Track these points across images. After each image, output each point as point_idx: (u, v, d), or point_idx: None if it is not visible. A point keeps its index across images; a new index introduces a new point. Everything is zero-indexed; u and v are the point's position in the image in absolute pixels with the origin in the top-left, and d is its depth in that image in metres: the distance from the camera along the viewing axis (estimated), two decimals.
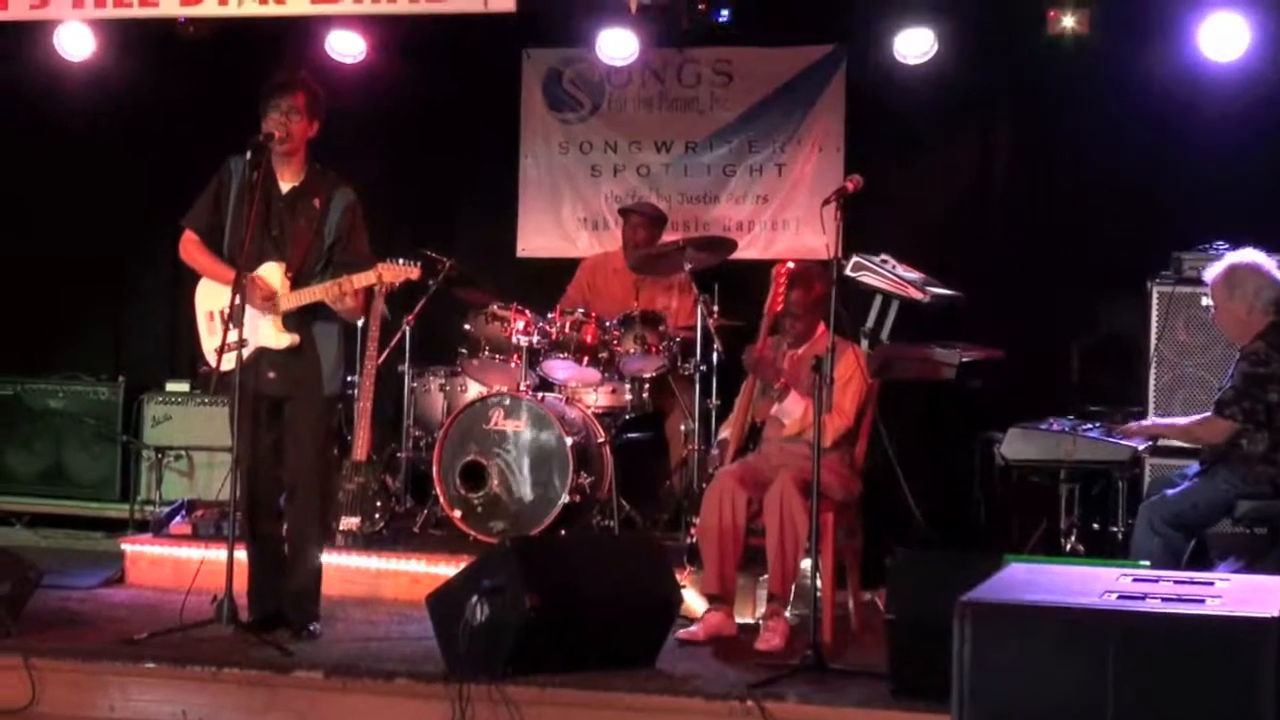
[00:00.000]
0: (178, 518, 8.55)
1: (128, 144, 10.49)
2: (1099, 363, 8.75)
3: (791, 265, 7.44)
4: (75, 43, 9.36)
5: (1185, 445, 7.36)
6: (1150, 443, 7.44)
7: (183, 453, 9.79)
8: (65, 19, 8.86)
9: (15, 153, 10.15)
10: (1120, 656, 3.77)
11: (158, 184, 10.12)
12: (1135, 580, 4.31)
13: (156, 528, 8.59)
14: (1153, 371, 7.83)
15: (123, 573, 8.20)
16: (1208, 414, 6.92)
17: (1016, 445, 7.53)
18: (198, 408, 9.81)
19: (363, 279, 6.67)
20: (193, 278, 6.96)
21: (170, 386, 10.00)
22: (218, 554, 6.69)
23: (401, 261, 6.76)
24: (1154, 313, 7.87)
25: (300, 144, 6.77)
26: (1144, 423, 7.37)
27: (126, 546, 8.33)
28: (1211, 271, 7.06)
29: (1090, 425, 7.60)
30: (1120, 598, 4.02)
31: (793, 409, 7.10)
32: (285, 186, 6.80)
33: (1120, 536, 7.62)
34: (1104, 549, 7.71)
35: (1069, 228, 9.25)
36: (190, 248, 6.87)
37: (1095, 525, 7.93)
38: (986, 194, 9.54)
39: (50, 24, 9.07)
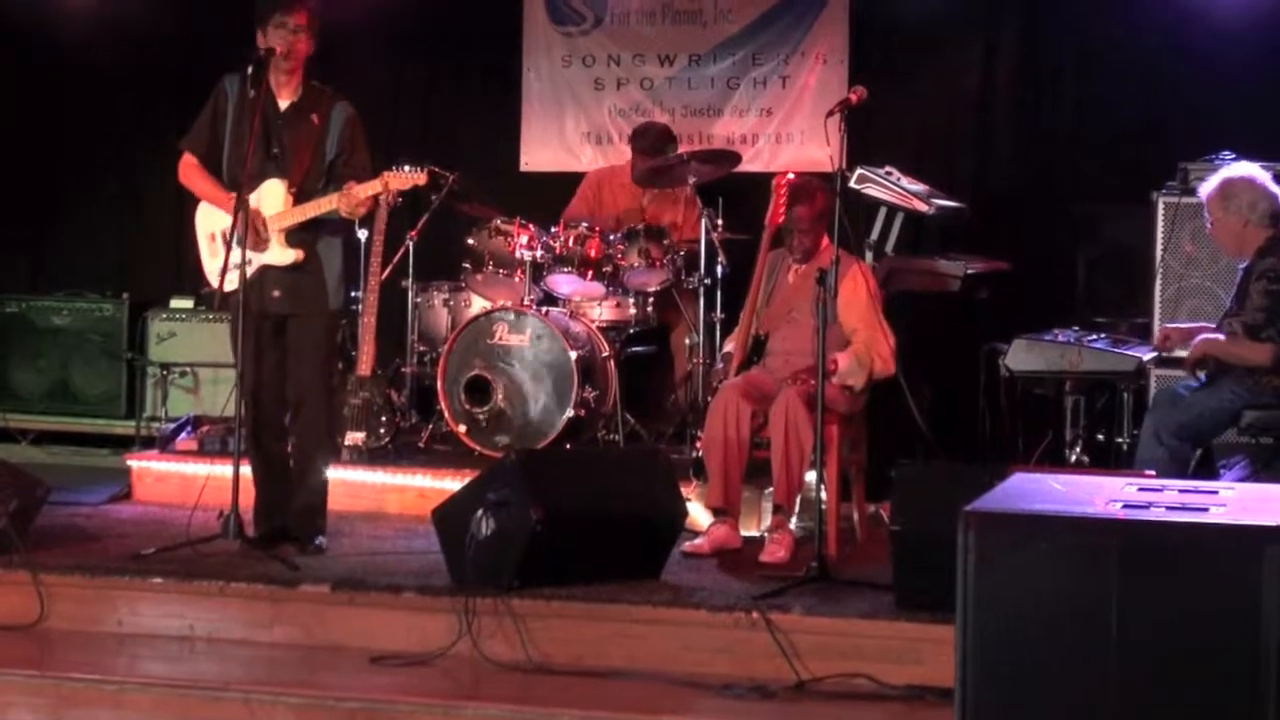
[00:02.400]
0: (183, 434, 8.58)
1: (130, 64, 10.47)
2: (1105, 274, 8.71)
3: (791, 177, 7.40)
4: None
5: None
6: (1156, 353, 7.41)
7: (188, 369, 9.81)
8: None
9: (19, 75, 10.09)
10: (1125, 565, 3.77)
11: (160, 100, 10.12)
12: (1140, 489, 4.31)
13: (162, 444, 8.61)
14: (1158, 283, 7.80)
15: (129, 489, 8.24)
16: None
17: (1021, 356, 7.52)
18: (202, 324, 9.82)
19: (369, 187, 6.64)
20: (195, 196, 6.93)
21: (174, 303, 10.02)
22: (223, 470, 6.72)
23: (408, 168, 6.73)
24: (1159, 224, 7.83)
25: (301, 61, 6.72)
26: (1196, 345, 7.15)
27: (133, 463, 8.36)
28: (1206, 187, 7.02)
29: (1096, 336, 7.58)
30: (1125, 507, 4.02)
31: (850, 371, 7.02)
32: (283, 104, 6.75)
33: (1125, 448, 7.61)
34: (1109, 460, 7.71)
35: (1074, 139, 9.22)
36: (190, 171, 6.83)
37: (1100, 437, 7.93)
38: (991, 105, 9.49)
39: None
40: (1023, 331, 7.61)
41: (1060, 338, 7.54)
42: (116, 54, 10.46)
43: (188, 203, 7.14)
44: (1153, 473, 6.27)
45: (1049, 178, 9.22)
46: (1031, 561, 3.87)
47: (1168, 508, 4.01)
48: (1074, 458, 7.69)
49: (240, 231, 6.50)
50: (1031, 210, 9.16)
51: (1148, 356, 7.42)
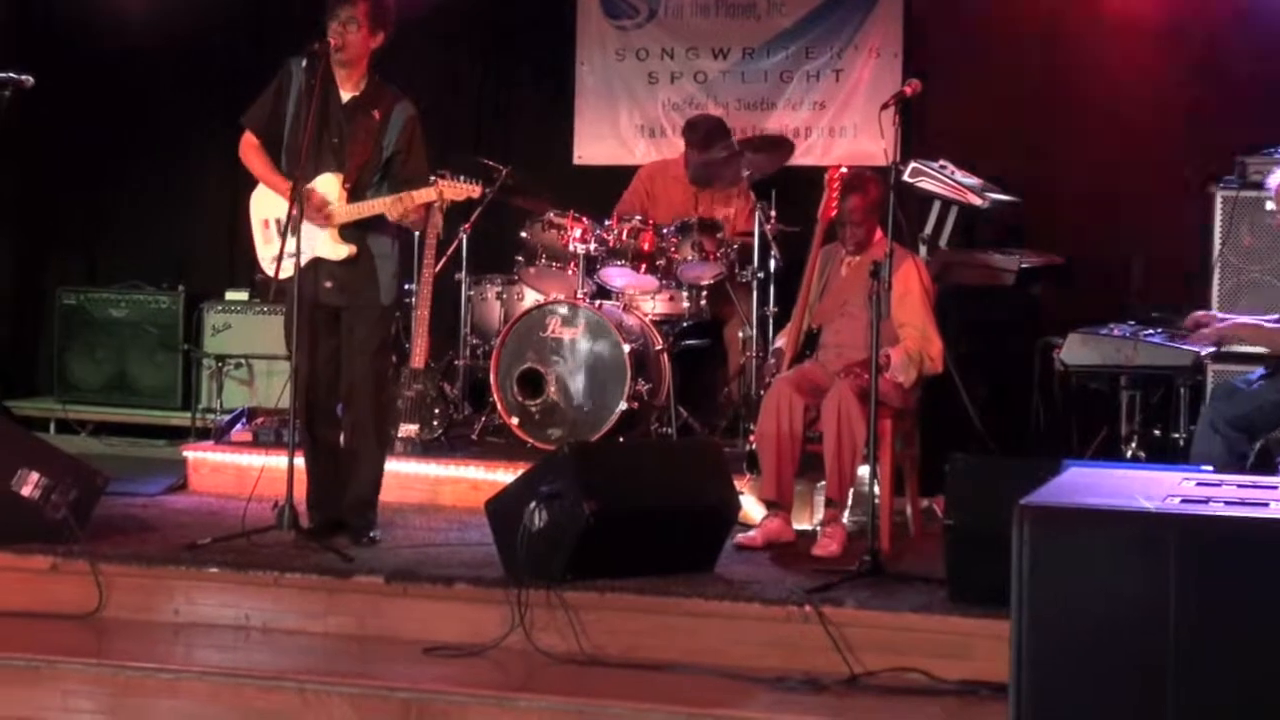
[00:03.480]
0: (238, 425, 8.62)
1: (186, 57, 10.51)
2: (1161, 268, 8.67)
3: (845, 170, 7.39)
4: None
5: (1249, 351, 7.28)
6: (1215, 348, 7.36)
7: (242, 361, 9.86)
8: None
9: (76, 66, 10.15)
10: (1182, 560, 3.75)
11: (215, 92, 10.16)
12: (1198, 484, 4.28)
13: (218, 435, 8.66)
14: (1216, 277, 7.74)
15: (185, 480, 8.27)
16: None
17: (1076, 351, 7.47)
18: (257, 316, 9.87)
19: (424, 195, 6.67)
20: (250, 185, 6.97)
21: (230, 295, 10.08)
22: (278, 461, 6.74)
23: (463, 179, 6.76)
24: (1218, 217, 7.77)
25: (360, 55, 6.73)
26: (1221, 325, 7.15)
27: (189, 454, 8.40)
28: (1274, 178, 6.96)
29: (1152, 331, 7.53)
30: (1183, 501, 4.00)
31: (900, 363, 7.00)
32: (346, 96, 6.78)
33: (1182, 443, 7.55)
34: (1166, 456, 7.65)
35: (1131, 132, 9.15)
36: (249, 151, 6.87)
37: (1156, 431, 7.87)
38: (1047, 99, 9.43)
39: None
40: (1077, 326, 7.57)
41: (1116, 332, 7.49)
42: (172, 46, 10.50)
43: (242, 196, 7.18)
44: (1210, 467, 6.23)
45: (1104, 171, 9.17)
46: (1087, 556, 3.85)
47: (1226, 502, 3.99)
48: (1130, 453, 7.64)
49: (295, 221, 6.53)
50: (1087, 204, 9.11)
51: (1205, 351, 7.35)
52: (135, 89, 10.60)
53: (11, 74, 7.70)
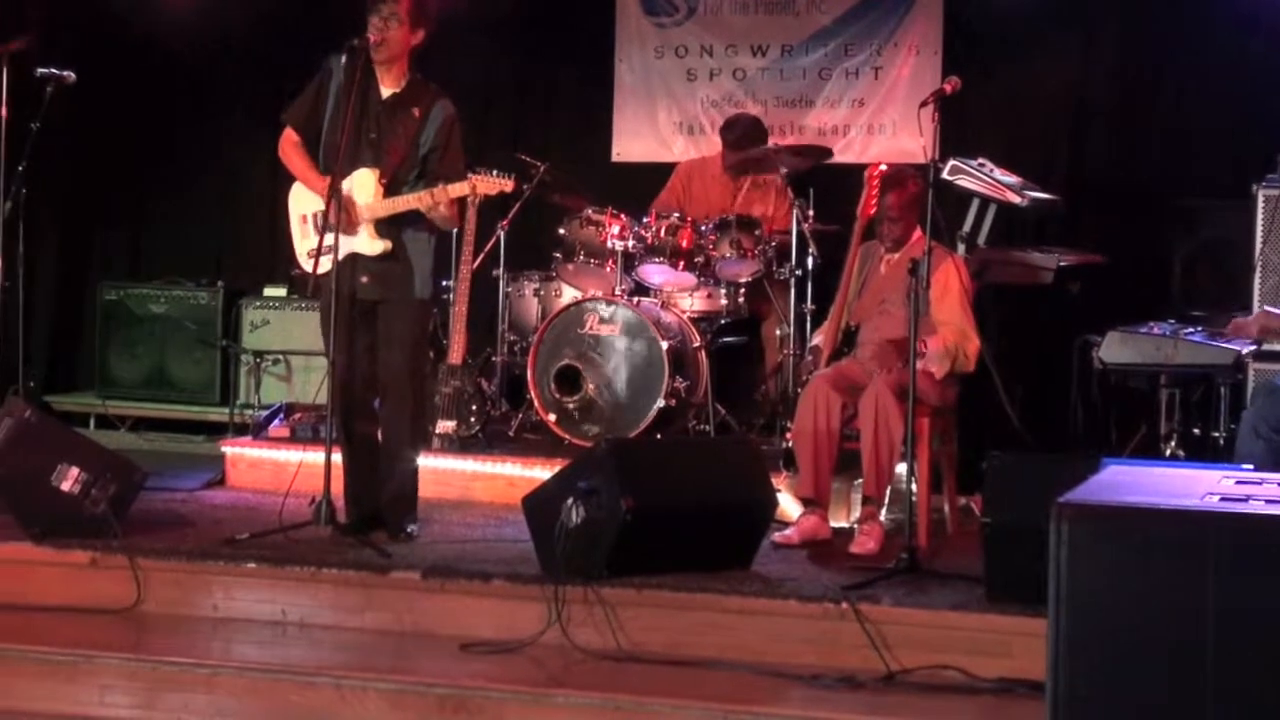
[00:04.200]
0: (276, 421, 8.65)
1: (229, 51, 10.56)
2: (1201, 267, 8.62)
3: (884, 168, 7.38)
4: None
5: None
6: (1255, 345, 7.32)
7: (280, 357, 9.89)
8: None
9: (117, 64, 10.20)
10: (1221, 559, 3.72)
11: (255, 90, 10.20)
12: (1238, 482, 4.25)
13: (255, 431, 8.69)
14: (1257, 276, 7.71)
15: (223, 475, 8.30)
16: None
17: (1115, 349, 7.45)
18: (294, 312, 9.90)
19: (457, 189, 6.68)
20: (288, 181, 6.99)
21: (268, 291, 10.11)
22: (315, 456, 6.75)
23: (496, 173, 6.75)
24: (1259, 216, 7.73)
25: (400, 52, 6.75)
26: (1255, 315, 7.09)
27: (226, 449, 8.43)
28: None
29: (1192, 329, 7.50)
30: (1222, 499, 3.97)
31: (936, 358, 7.00)
32: (386, 92, 6.79)
33: (1222, 442, 7.52)
34: (1205, 455, 7.62)
35: (1171, 130, 9.12)
36: (289, 149, 6.89)
37: (1196, 431, 7.84)
38: (1087, 97, 9.41)
39: None
40: (1116, 324, 7.54)
41: (1156, 330, 7.47)
42: (214, 43, 10.56)
43: (281, 192, 7.20)
44: (1250, 467, 6.20)
45: (1144, 169, 9.13)
46: (1125, 555, 3.82)
47: (1267, 501, 3.96)
48: (1169, 451, 7.61)
49: (333, 217, 6.54)
50: (1126, 202, 9.07)
51: (1246, 349, 7.32)
52: (177, 86, 10.64)
53: (54, 70, 7.77)
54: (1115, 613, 3.83)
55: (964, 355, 7.03)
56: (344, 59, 6.71)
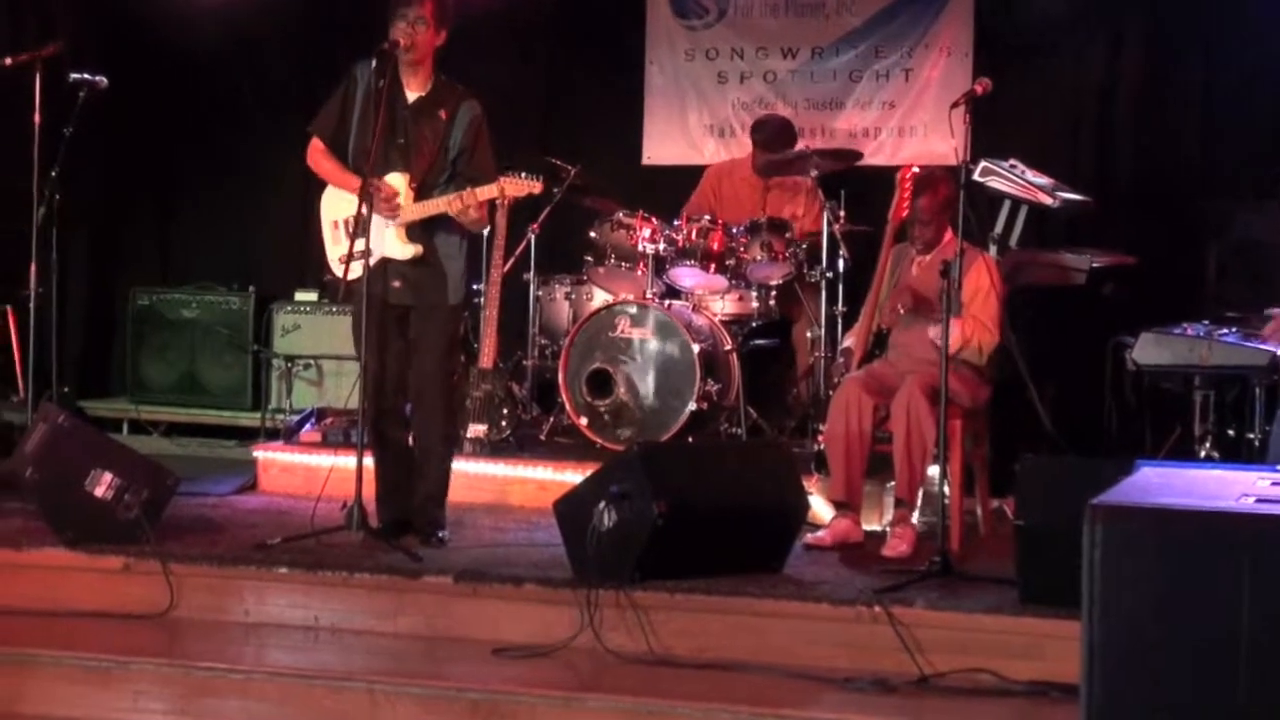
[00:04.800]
0: (307, 426, 8.67)
1: (259, 56, 10.58)
2: (1235, 268, 8.58)
3: (916, 170, 7.36)
4: None
5: None
6: None
7: (311, 361, 9.90)
8: None
9: (145, 70, 10.23)
10: (1258, 561, 3.70)
11: (285, 94, 10.22)
12: (1274, 484, 4.23)
13: (287, 436, 8.72)
14: None
15: (255, 480, 8.32)
16: None
17: (1149, 350, 7.41)
18: (326, 317, 9.90)
19: (485, 192, 6.68)
20: (320, 188, 7.00)
21: (299, 296, 10.12)
22: (347, 461, 6.76)
23: (524, 175, 6.74)
24: None
25: (427, 54, 6.76)
26: None
27: (258, 454, 8.45)
28: None
29: (1226, 330, 7.46)
30: (1258, 501, 3.95)
31: (950, 330, 6.99)
32: (412, 96, 6.80)
33: (1257, 444, 7.47)
34: (1240, 456, 7.58)
35: (1202, 130, 9.09)
36: (317, 155, 6.90)
37: (1231, 432, 7.80)
38: (1118, 98, 9.37)
39: None
40: (1149, 326, 7.51)
41: (1189, 331, 7.43)
42: (243, 49, 10.58)
43: (312, 197, 7.22)
44: None
45: (1176, 170, 9.10)
46: (1159, 556, 3.80)
47: None
48: (1204, 453, 7.57)
49: (364, 222, 6.55)
50: (1158, 203, 9.04)
51: None
52: (206, 91, 10.67)
53: (86, 75, 7.80)
54: (1149, 615, 3.81)
55: (977, 345, 6.99)
56: (371, 65, 6.71)
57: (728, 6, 10.09)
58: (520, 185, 6.73)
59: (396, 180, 6.70)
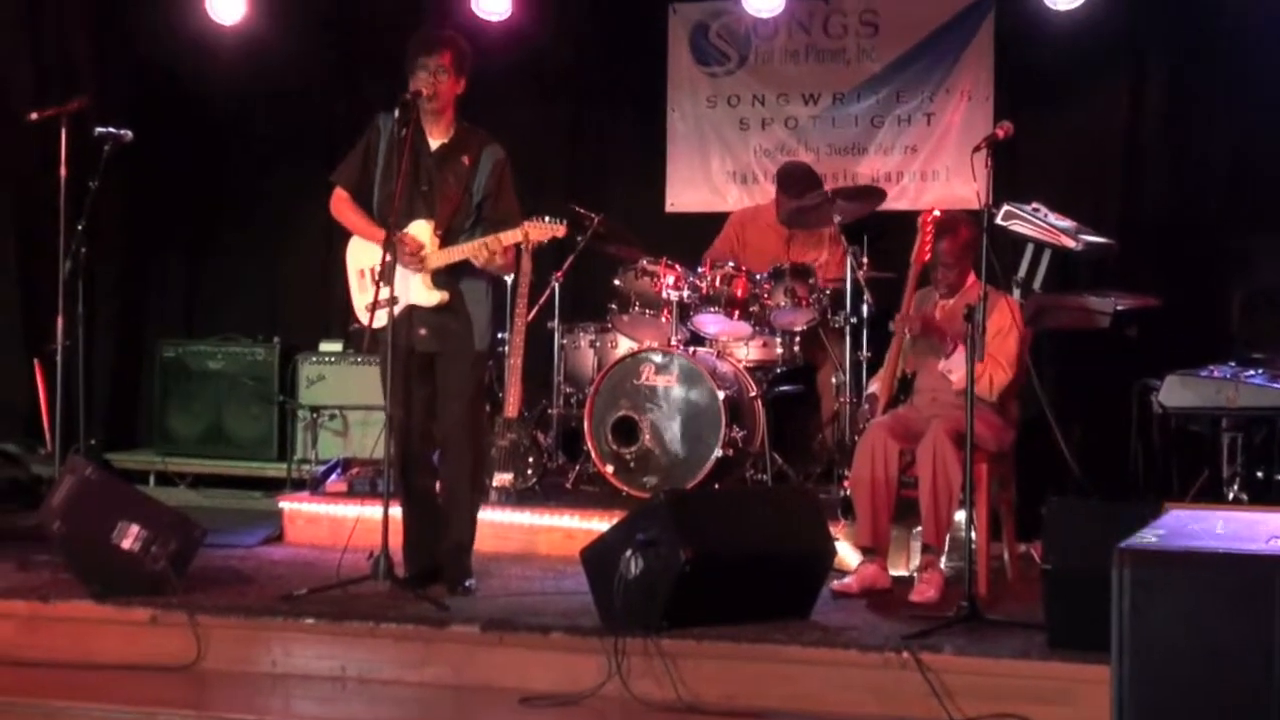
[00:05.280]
0: (333, 476, 8.66)
1: (278, 106, 10.62)
2: (1260, 309, 8.57)
3: (938, 214, 7.36)
4: (226, 6, 9.45)
5: None
6: None
7: (337, 412, 9.90)
8: None
9: (169, 123, 10.28)
10: None
11: (308, 145, 10.27)
12: None
13: (313, 486, 8.71)
14: None
15: (281, 531, 8.33)
16: None
17: (1175, 393, 7.40)
18: (351, 367, 9.92)
19: (510, 237, 6.69)
20: (344, 237, 7.03)
21: (324, 346, 10.12)
22: (373, 511, 6.77)
23: (548, 219, 6.75)
24: None
25: (449, 102, 6.80)
26: None
27: (284, 505, 8.45)
28: None
29: (1253, 371, 7.44)
30: None
31: (960, 364, 7.00)
32: (434, 144, 6.83)
33: None
34: (1268, 498, 7.55)
35: (1225, 171, 9.08)
36: (341, 205, 6.94)
37: (1259, 474, 7.77)
38: (1140, 140, 9.37)
39: None
40: (1175, 368, 7.50)
41: (1216, 373, 7.42)
42: (266, 100, 10.63)
43: (335, 247, 7.24)
44: None
45: (1199, 211, 9.10)
46: (1189, 600, 3.80)
47: None
48: (1232, 495, 7.54)
49: (389, 269, 6.57)
50: (1182, 245, 9.03)
51: None
52: (231, 144, 10.73)
53: (112, 129, 7.85)
54: (1179, 658, 3.80)
55: (988, 380, 6.97)
56: (394, 115, 6.74)
57: (749, 53, 10.12)
58: (544, 229, 6.74)
59: (421, 227, 6.73)
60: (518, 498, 8.21)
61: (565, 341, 9.01)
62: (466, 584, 6.81)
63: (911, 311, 7.32)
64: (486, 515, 7.48)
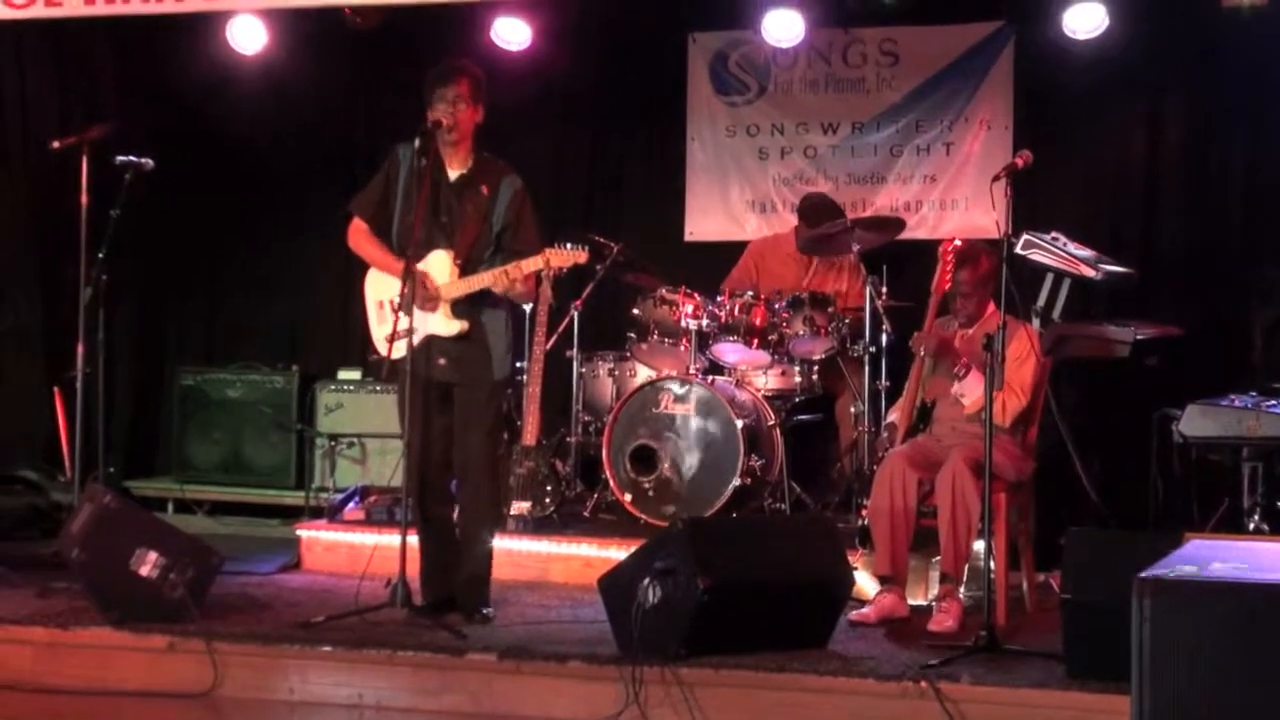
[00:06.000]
0: (351, 504, 8.68)
1: (298, 136, 10.66)
2: None
3: (958, 243, 7.36)
4: (247, 36, 9.49)
5: None
6: None
7: (355, 440, 9.92)
8: (239, 10, 9.04)
9: (190, 151, 10.32)
10: None
11: (328, 175, 10.30)
12: None
13: (331, 514, 8.72)
14: None
15: (299, 558, 8.33)
16: None
17: (1196, 422, 7.38)
18: (369, 395, 9.94)
19: (530, 264, 6.69)
20: (362, 267, 7.04)
21: (342, 374, 10.14)
22: (391, 539, 6.77)
23: (569, 246, 6.76)
24: None
25: (467, 132, 6.81)
26: None
27: (302, 533, 8.45)
28: None
29: (1274, 401, 7.42)
30: None
31: (973, 388, 6.99)
32: (454, 174, 6.84)
33: None
34: None
35: (1245, 200, 9.07)
36: (359, 237, 6.95)
37: None
38: (1159, 169, 9.37)
39: (223, 17, 9.23)
40: (1195, 397, 7.48)
41: (1237, 403, 7.39)
42: (282, 128, 10.67)
43: (355, 275, 7.25)
44: None
45: (1219, 240, 9.08)
46: (1209, 630, 3.78)
47: None
48: (1253, 525, 7.51)
49: (407, 300, 6.58)
50: (1202, 274, 9.02)
51: None
52: (251, 173, 10.75)
53: (133, 157, 7.89)
54: (1199, 689, 3.78)
55: (1001, 405, 6.94)
56: (414, 145, 6.75)
57: (768, 83, 10.13)
58: (565, 256, 6.74)
59: (441, 257, 6.73)
60: (535, 526, 8.21)
61: (584, 370, 9.01)
62: (484, 612, 6.80)
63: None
64: (503, 543, 7.49)
